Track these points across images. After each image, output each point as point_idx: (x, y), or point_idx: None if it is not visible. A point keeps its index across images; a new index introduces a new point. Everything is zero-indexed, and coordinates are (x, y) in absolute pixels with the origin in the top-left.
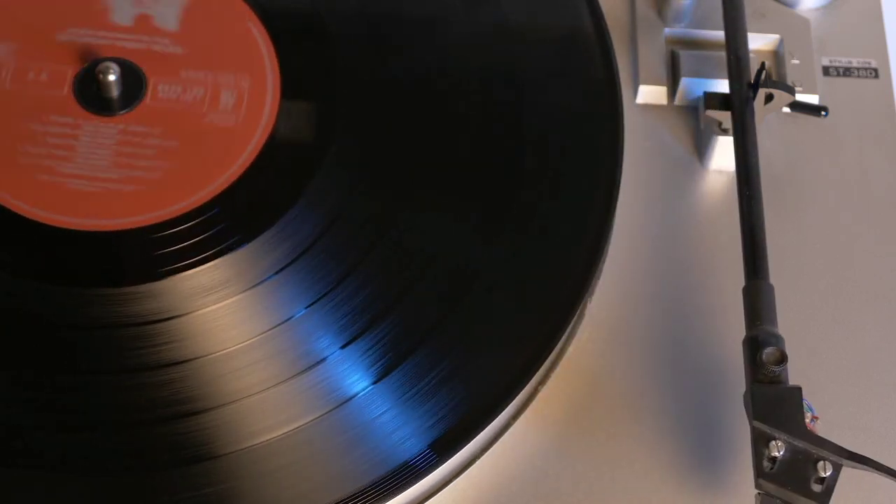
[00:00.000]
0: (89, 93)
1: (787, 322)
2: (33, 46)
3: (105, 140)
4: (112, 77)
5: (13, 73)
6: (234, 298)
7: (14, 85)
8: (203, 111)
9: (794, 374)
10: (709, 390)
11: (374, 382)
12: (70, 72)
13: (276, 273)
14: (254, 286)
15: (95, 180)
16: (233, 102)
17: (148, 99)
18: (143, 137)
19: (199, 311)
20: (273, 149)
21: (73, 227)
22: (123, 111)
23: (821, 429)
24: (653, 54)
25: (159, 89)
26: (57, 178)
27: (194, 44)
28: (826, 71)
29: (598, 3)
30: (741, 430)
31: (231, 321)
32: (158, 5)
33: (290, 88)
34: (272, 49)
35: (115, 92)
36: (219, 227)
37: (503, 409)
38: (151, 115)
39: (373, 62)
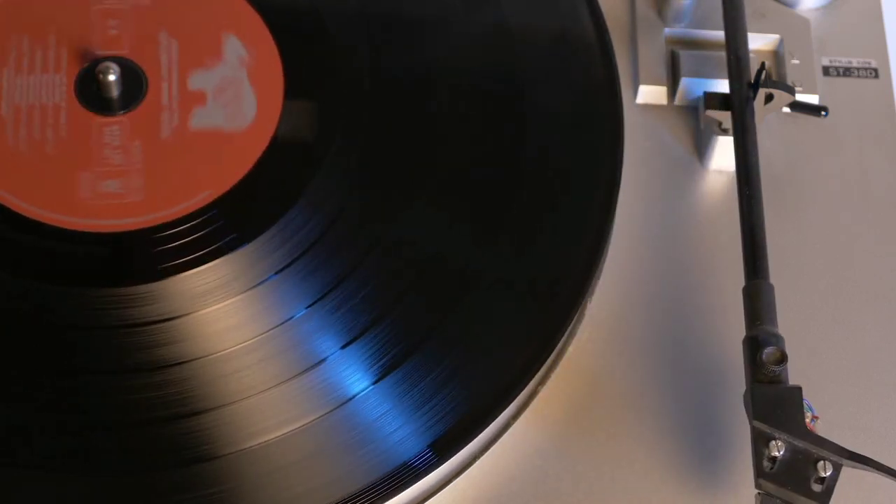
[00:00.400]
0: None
1: (787, 322)
2: (142, 19)
3: (45, 94)
4: (112, 77)
5: (102, 11)
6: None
7: (92, 16)
8: (94, 170)
9: (794, 374)
10: (709, 390)
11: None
12: (120, 51)
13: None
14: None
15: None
16: (109, 192)
17: (99, 119)
18: (52, 127)
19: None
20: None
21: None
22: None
23: (821, 429)
24: (653, 54)
25: (113, 129)
26: None
27: (178, 145)
28: (826, 71)
29: (597, 4)
30: (741, 430)
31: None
32: (226, 106)
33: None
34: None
35: (114, 92)
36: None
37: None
38: (84, 125)
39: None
